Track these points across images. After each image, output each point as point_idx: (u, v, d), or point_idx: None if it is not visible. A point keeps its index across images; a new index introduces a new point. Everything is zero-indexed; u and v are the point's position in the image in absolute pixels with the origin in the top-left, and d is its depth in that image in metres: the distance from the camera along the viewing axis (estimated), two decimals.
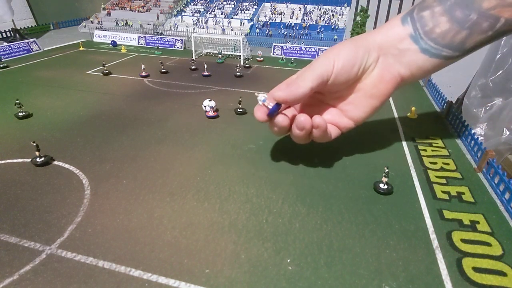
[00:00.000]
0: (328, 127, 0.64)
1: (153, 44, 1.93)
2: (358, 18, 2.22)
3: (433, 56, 0.61)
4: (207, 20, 2.31)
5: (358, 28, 2.23)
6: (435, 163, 0.74)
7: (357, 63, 0.61)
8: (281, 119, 0.62)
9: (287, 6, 2.38)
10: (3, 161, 0.71)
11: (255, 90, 1.18)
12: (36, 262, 0.46)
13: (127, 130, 0.86)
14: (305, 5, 2.35)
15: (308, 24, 2.16)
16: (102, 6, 2.60)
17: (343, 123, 0.68)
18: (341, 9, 2.27)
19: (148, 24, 2.30)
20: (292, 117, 0.64)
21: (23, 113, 0.92)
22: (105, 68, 1.35)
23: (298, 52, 1.75)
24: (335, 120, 0.68)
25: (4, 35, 2.03)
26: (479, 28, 0.57)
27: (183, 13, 2.43)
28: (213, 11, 2.40)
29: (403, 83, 0.66)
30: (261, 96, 0.61)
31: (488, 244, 0.51)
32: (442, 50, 0.61)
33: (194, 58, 1.60)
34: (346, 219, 0.56)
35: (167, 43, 1.91)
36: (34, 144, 0.69)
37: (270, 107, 0.60)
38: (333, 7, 2.30)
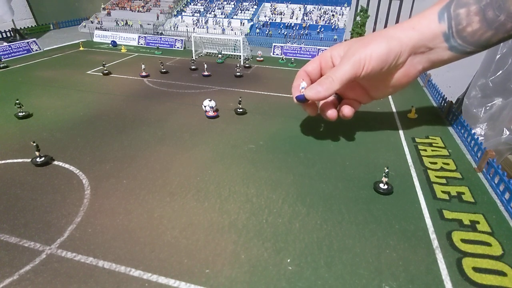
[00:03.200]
0: (347, 111, 0.76)
1: (153, 44, 1.92)
2: (358, 18, 2.22)
3: (458, 52, 0.64)
4: (207, 20, 2.31)
5: (358, 28, 2.23)
6: (435, 163, 0.74)
7: (387, 65, 0.66)
8: (309, 111, 0.79)
9: (287, 6, 2.38)
10: (3, 161, 0.71)
11: (255, 90, 1.19)
12: (36, 262, 0.46)
13: (127, 130, 0.86)
14: (305, 5, 2.35)
15: (308, 24, 2.16)
16: (102, 6, 2.60)
17: (364, 99, 0.79)
18: (341, 9, 2.27)
19: (148, 24, 2.30)
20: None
21: (23, 113, 0.92)
22: (105, 68, 1.35)
23: (298, 52, 1.75)
24: (358, 97, 0.78)
25: (4, 35, 2.03)
26: (504, 28, 0.59)
27: (183, 13, 2.43)
28: (213, 11, 2.40)
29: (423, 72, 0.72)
30: (303, 83, 0.74)
31: (488, 244, 0.51)
32: (467, 47, 0.63)
33: (194, 58, 1.60)
34: (346, 219, 0.56)
35: (167, 43, 1.91)
36: (34, 144, 0.69)
37: (301, 93, 0.74)
38: (333, 7, 2.30)
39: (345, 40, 2.04)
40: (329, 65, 0.74)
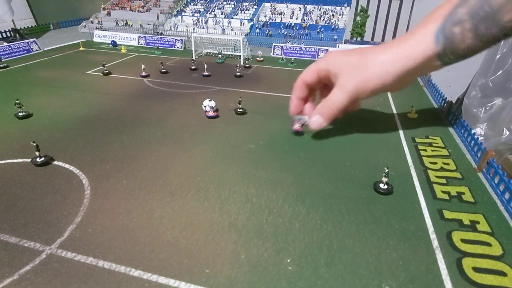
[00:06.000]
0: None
1: (153, 44, 1.92)
2: (358, 18, 2.22)
3: (447, 64, 0.66)
4: (207, 20, 2.31)
5: (358, 28, 2.23)
6: (435, 163, 0.74)
7: (381, 92, 0.71)
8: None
9: (287, 6, 2.38)
10: (3, 161, 0.71)
11: (255, 90, 1.19)
12: (36, 262, 0.46)
13: (127, 130, 0.86)
14: (305, 5, 2.35)
15: (308, 24, 2.16)
16: (102, 6, 2.60)
17: (356, 106, 0.81)
18: (341, 9, 2.27)
19: (148, 24, 2.30)
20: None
21: (23, 113, 0.92)
22: (105, 68, 1.35)
23: (298, 52, 1.75)
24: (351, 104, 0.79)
25: (4, 35, 2.03)
26: (494, 40, 0.60)
27: (183, 13, 2.43)
28: (213, 11, 2.40)
29: None
30: (304, 118, 0.83)
31: (488, 244, 0.51)
32: (457, 60, 0.65)
33: (194, 58, 1.60)
34: (346, 219, 0.56)
35: (167, 43, 1.91)
36: (34, 144, 0.69)
37: (299, 125, 0.85)
38: (333, 7, 2.30)
39: (344, 41, 2.04)
40: (326, 77, 0.77)
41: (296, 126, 0.85)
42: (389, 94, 1.16)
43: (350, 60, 0.71)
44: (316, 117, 0.77)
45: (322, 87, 0.83)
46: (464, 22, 0.60)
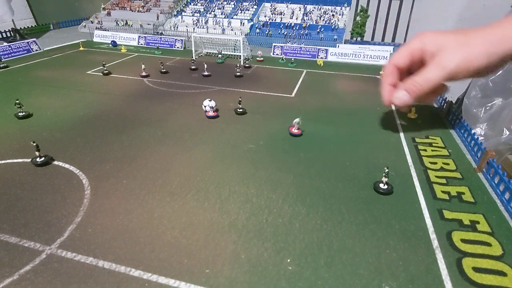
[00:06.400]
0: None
1: (153, 44, 1.92)
2: (358, 18, 2.22)
3: None
4: (207, 20, 2.31)
5: (358, 28, 2.23)
6: (435, 163, 0.74)
7: (482, 74, 0.65)
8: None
9: (287, 6, 2.38)
10: (3, 161, 0.71)
11: (255, 90, 1.19)
12: (36, 262, 0.46)
13: (127, 130, 0.86)
14: (305, 5, 2.35)
15: (308, 24, 2.16)
16: (102, 6, 2.60)
17: (442, 89, 0.74)
18: (341, 9, 2.27)
19: (148, 24, 2.30)
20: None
21: (23, 113, 0.92)
22: (105, 68, 1.35)
23: (298, 52, 1.75)
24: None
25: (4, 35, 2.03)
26: None
27: (183, 13, 2.42)
28: (213, 11, 2.40)
29: None
30: (296, 120, 0.83)
31: (488, 244, 0.51)
32: None
33: (194, 58, 1.60)
34: (346, 219, 0.56)
35: (167, 43, 1.91)
36: (34, 144, 0.69)
37: (295, 131, 0.85)
38: (333, 7, 2.30)
39: (344, 41, 2.04)
40: (420, 59, 0.70)
41: (295, 130, 0.85)
42: None
43: (452, 37, 0.65)
44: (402, 92, 0.69)
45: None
46: None
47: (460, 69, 0.63)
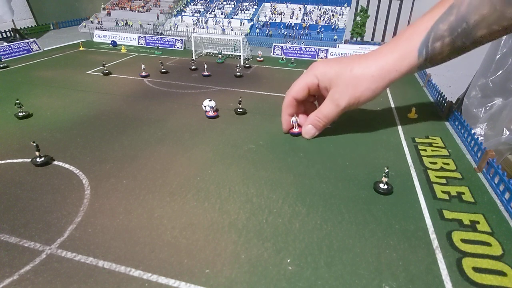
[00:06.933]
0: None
1: (153, 44, 1.92)
2: (358, 18, 2.22)
3: (422, 69, 0.74)
4: (207, 20, 2.31)
5: (358, 28, 2.23)
6: (435, 163, 0.74)
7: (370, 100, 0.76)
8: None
9: (287, 6, 2.38)
10: (3, 161, 0.71)
11: (255, 90, 1.19)
12: (36, 262, 0.46)
13: (127, 130, 0.86)
14: (305, 5, 2.35)
15: (308, 24, 2.16)
16: (102, 6, 2.60)
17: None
18: (341, 9, 2.27)
19: (148, 24, 2.30)
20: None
21: (23, 113, 0.92)
22: (105, 68, 1.35)
23: (298, 52, 1.75)
24: None
25: (4, 35, 2.03)
26: (465, 50, 0.68)
27: (183, 13, 2.42)
28: (213, 11, 2.40)
29: None
30: (293, 118, 0.83)
31: (488, 244, 0.51)
32: (432, 66, 0.73)
33: (194, 58, 1.60)
34: (346, 219, 0.56)
35: (167, 43, 1.91)
36: (34, 144, 0.69)
37: (295, 129, 0.85)
38: (333, 7, 2.30)
39: (344, 41, 2.04)
40: (317, 90, 0.80)
41: (291, 129, 0.85)
42: (389, 94, 1.16)
43: (340, 75, 0.75)
44: (309, 127, 0.82)
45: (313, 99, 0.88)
46: (444, 38, 0.67)
47: (351, 104, 0.75)
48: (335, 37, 2.03)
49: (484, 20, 0.61)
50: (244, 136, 0.85)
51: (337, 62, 0.77)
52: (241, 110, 0.98)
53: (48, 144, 0.78)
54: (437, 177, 0.69)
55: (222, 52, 1.70)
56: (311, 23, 2.18)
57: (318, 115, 0.80)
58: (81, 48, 1.80)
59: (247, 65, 1.53)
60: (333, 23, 2.15)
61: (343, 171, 0.70)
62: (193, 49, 1.62)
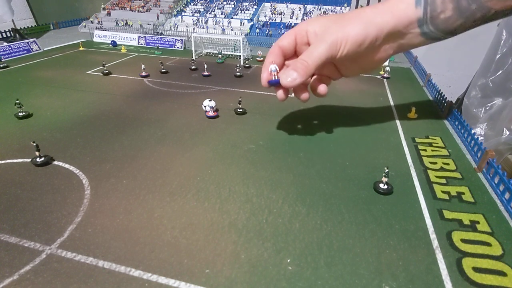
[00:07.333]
0: (323, 89, 0.77)
1: (153, 44, 1.92)
2: None
3: (428, 38, 0.66)
4: (207, 20, 2.31)
5: None
6: (435, 163, 0.74)
7: (362, 49, 0.66)
8: (280, 97, 0.75)
9: (287, 6, 2.38)
10: (3, 161, 0.71)
11: (255, 90, 1.19)
12: (36, 262, 0.46)
13: (127, 130, 0.86)
14: (305, 5, 2.35)
15: None
16: (102, 6, 2.60)
17: (335, 76, 0.78)
18: (341, 9, 2.27)
19: (148, 24, 2.30)
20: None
21: (23, 113, 0.92)
22: (105, 68, 1.35)
23: None
24: (330, 74, 0.78)
25: (4, 35, 2.03)
26: (472, 18, 0.60)
27: (183, 13, 2.42)
28: (213, 11, 2.40)
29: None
30: (272, 66, 0.71)
31: (488, 244, 0.51)
32: (437, 34, 0.65)
33: (194, 58, 1.60)
34: (346, 219, 0.56)
35: (167, 43, 1.91)
36: (34, 144, 0.69)
37: (274, 78, 0.71)
38: (333, 7, 2.30)
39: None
40: (304, 40, 0.72)
41: (269, 78, 0.72)
42: (389, 94, 1.16)
43: (332, 17, 0.69)
44: (290, 72, 0.68)
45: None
46: None
47: (339, 40, 0.65)
48: None
49: None
50: (244, 136, 0.85)
51: (330, 18, 0.70)
52: (241, 110, 0.98)
53: (48, 144, 0.78)
54: (437, 177, 0.69)
55: (222, 52, 1.70)
56: None
57: (303, 57, 0.69)
58: (81, 48, 1.80)
59: (247, 65, 1.53)
60: None
61: (343, 171, 0.70)
62: (193, 49, 1.62)
